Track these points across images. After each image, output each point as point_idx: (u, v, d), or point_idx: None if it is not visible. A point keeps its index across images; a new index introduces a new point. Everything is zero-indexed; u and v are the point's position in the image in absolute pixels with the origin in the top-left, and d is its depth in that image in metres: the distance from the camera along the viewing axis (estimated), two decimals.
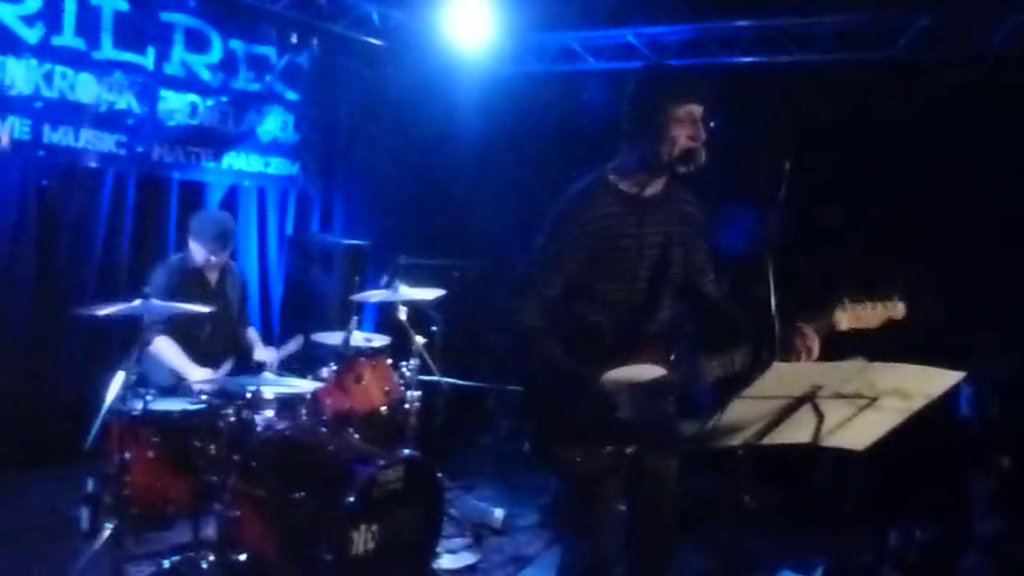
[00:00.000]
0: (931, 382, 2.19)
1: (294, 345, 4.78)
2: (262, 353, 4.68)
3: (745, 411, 2.15)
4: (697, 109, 2.66)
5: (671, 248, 2.81)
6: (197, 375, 4.26)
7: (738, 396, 2.07)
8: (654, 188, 2.78)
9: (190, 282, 4.45)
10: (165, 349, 4.29)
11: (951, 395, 4.92)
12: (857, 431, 2.35)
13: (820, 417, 2.24)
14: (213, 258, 4.46)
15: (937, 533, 4.51)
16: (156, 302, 3.74)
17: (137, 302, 3.60)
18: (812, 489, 5.42)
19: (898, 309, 2.74)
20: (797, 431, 2.30)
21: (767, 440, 2.31)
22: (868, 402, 2.22)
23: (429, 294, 4.78)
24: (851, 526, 5.03)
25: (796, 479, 5.10)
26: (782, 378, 2.08)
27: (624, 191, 2.75)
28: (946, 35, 5.22)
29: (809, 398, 2.15)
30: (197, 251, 4.45)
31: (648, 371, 2.70)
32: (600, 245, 2.69)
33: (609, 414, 2.61)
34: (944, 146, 5.19)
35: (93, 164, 5.32)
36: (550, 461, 2.78)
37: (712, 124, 2.70)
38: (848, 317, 2.70)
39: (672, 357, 2.74)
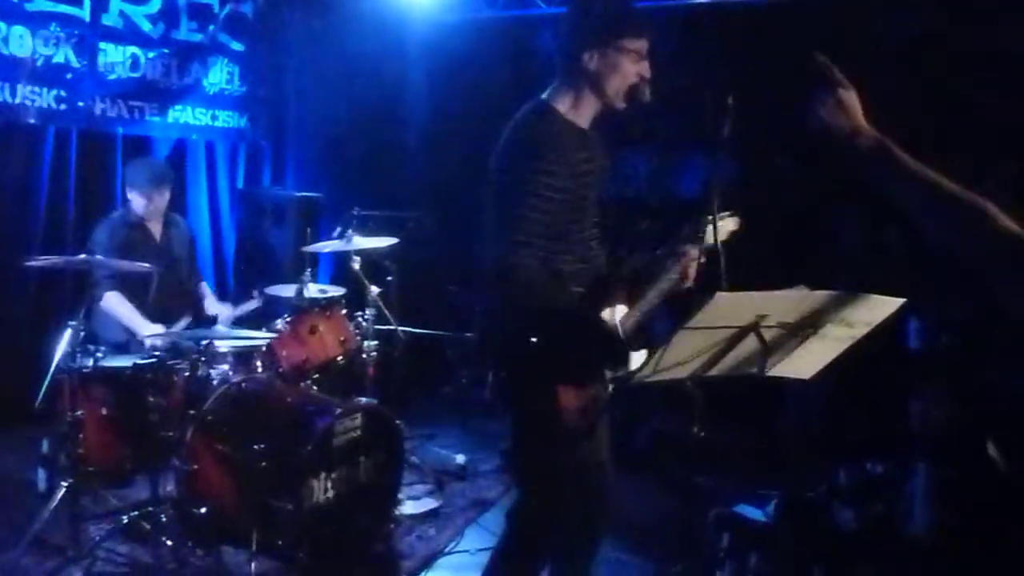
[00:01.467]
0: (873, 310, 2.22)
1: (253, 304, 4.74)
2: (215, 307, 4.64)
3: (690, 342, 2.17)
4: (646, 44, 2.62)
5: (602, 181, 2.78)
6: (148, 330, 4.21)
7: (682, 327, 2.09)
8: (589, 121, 2.71)
9: (134, 237, 4.38)
10: (115, 305, 4.24)
11: (897, 329, 5.09)
12: (802, 361, 2.38)
13: (765, 347, 2.27)
14: (152, 204, 4.38)
15: (887, 466, 4.64)
16: (100, 258, 3.68)
17: (81, 256, 3.55)
18: (768, 427, 5.54)
19: (735, 222, 2.87)
20: (743, 362, 2.33)
21: (714, 372, 2.34)
22: (812, 331, 2.25)
23: (383, 243, 4.75)
24: (804, 461, 5.16)
25: (751, 417, 5.20)
26: (726, 308, 2.10)
27: (573, 123, 2.65)
28: None
29: (753, 328, 2.17)
30: (136, 200, 4.37)
31: (620, 312, 2.68)
32: (567, 182, 2.57)
33: (620, 355, 2.59)
34: (900, 77, 5.21)
35: (32, 121, 5.17)
36: (544, 405, 2.58)
37: (656, 64, 2.68)
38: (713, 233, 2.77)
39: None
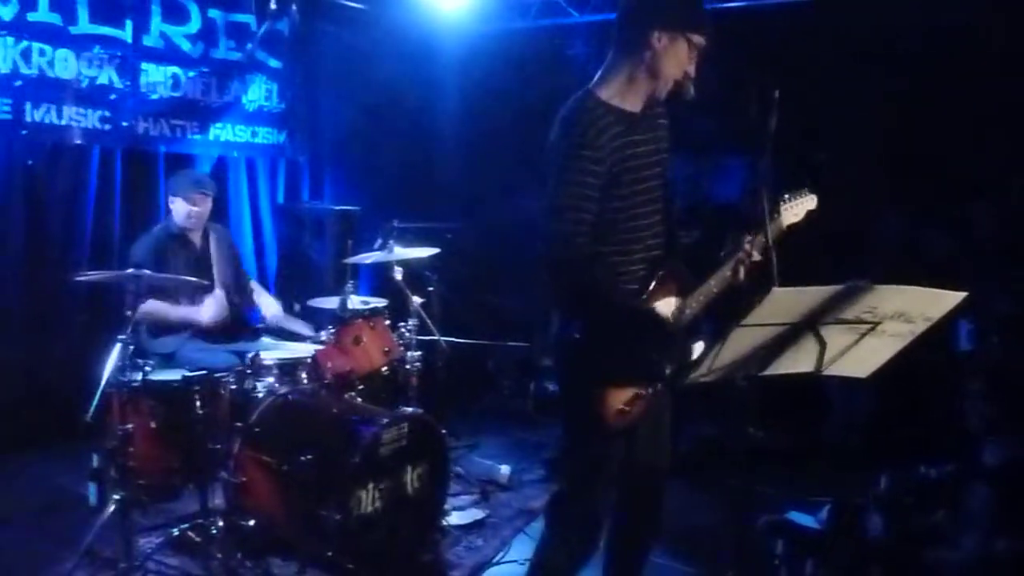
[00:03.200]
0: (933, 304, 2.17)
1: (302, 326, 4.73)
2: (267, 302, 4.67)
3: (746, 340, 2.13)
4: (703, 41, 2.59)
5: (663, 167, 2.71)
6: (203, 312, 4.27)
7: (738, 324, 2.05)
8: (640, 105, 2.66)
9: (174, 247, 4.40)
10: (159, 307, 4.25)
11: (949, 330, 5.00)
12: (860, 358, 2.33)
13: (822, 344, 2.22)
14: (195, 208, 4.39)
15: (944, 469, 4.55)
16: (143, 272, 3.70)
17: (130, 270, 3.59)
18: (818, 431, 5.46)
19: (813, 200, 2.88)
20: (799, 360, 2.29)
21: (770, 371, 2.30)
22: (870, 327, 2.20)
23: (423, 253, 4.75)
24: (853, 465, 5.07)
25: (794, 420, 5.13)
26: (781, 304, 2.06)
27: (619, 107, 2.59)
28: None
29: (810, 324, 2.13)
30: (178, 207, 4.39)
31: (675, 303, 2.63)
32: (618, 167, 2.53)
33: (674, 349, 2.55)
34: (934, 76, 5.13)
35: (78, 141, 5.27)
36: (590, 404, 2.56)
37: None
38: (788, 214, 2.82)
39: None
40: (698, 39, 2.58)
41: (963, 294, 2.14)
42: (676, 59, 2.57)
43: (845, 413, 5.51)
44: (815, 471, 4.93)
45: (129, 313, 3.61)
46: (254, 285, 4.88)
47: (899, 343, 2.28)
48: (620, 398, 2.54)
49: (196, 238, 4.52)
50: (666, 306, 2.61)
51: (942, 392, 5.03)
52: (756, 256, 2.61)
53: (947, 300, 2.16)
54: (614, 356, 2.54)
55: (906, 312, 2.17)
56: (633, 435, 2.69)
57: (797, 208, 2.85)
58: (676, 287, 2.65)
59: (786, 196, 2.83)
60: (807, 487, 4.56)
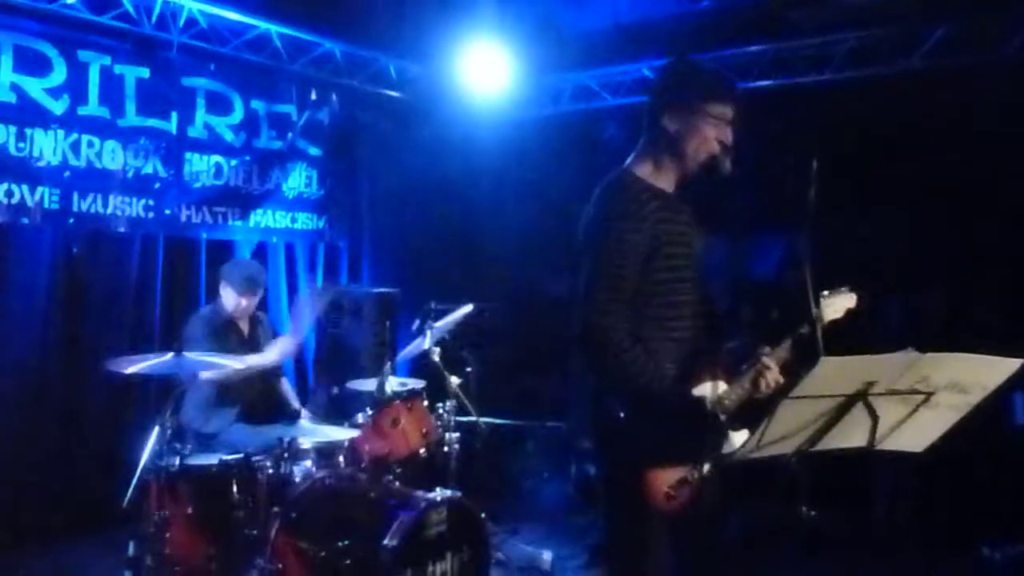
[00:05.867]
0: (988, 372, 2.09)
1: (324, 397, 4.75)
2: (296, 403, 4.66)
3: (795, 414, 2.06)
4: (730, 111, 2.59)
5: (696, 248, 2.67)
6: (270, 355, 4.30)
7: (787, 397, 1.99)
8: (672, 185, 2.65)
9: (224, 332, 4.44)
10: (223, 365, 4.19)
11: (1003, 403, 4.84)
12: (915, 432, 2.24)
13: (874, 418, 2.14)
14: (244, 302, 4.44)
15: (1011, 550, 4.37)
16: (190, 355, 3.71)
17: (168, 356, 3.59)
18: (870, 512, 5.26)
19: (852, 298, 2.90)
20: (851, 435, 2.21)
21: (820, 446, 2.22)
22: (924, 398, 2.12)
23: (462, 311, 4.74)
24: (906, 547, 4.87)
25: (851, 503, 4.96)
26: (832, 374, 2.00)
27: (656, 186, 2.60)
28: (962, 45, 5.17)
29: (861, 396, 2.06)
30: (228, 296, 4.44)
31: (720, 387, 2.54)
32: (658, 245, 2.50)
33: (714, 434, 2.46)
34: (966, 155, 5.10)
35: (122, 229, 5.39)
36: (634, 488, 2.47)
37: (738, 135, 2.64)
38: (829, 310, 2.84)
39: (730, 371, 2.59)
40: (718, 109, 2.57)
41: (1020, 361, 2.06)
42: (697, 135, 2.56)
43: (892, 494, 5.31)
44: (868, 558, 4.74)
45: (172, 398, 3.61)
46: (285, 385, 4.90)
47: (955, 415, 2.19)
48: (666, 480, 2.44)
49: (244, 325, 4.57)
50: (707, 390, 2.52)
51: (996, 468, 4.86)
52: (774, 368, 2.53)
53: (1004, 368, 2.09)
54: (659, 435, 2.45)
55: (960, 382, 2.09)
56: (680, 525, 2.55)
57: (837, 305, 2.86)
58: (716, 372, 2.56)
59: (825, 292, 2.83)
60: (862, 571, 4.39)
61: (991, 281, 5.10)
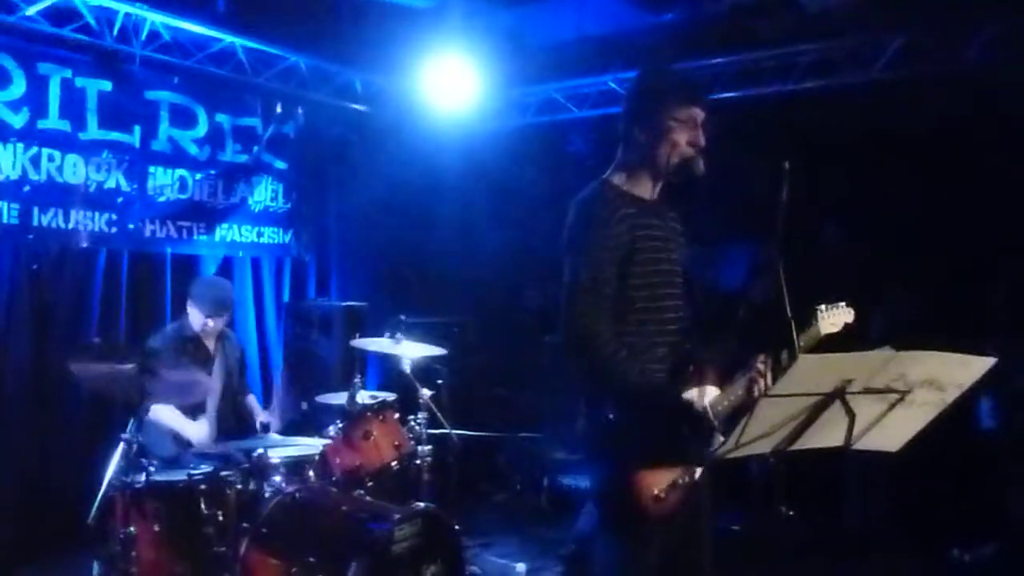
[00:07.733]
0: (963, 370, 2.11)
1: (293, 411, 4.69)
2: (263, 416, 4.60)
3: (774, 412, 2.06)
4: (700, 114, 2.62)
5: (680, 255, 2.70)
6: (193, 430, 4.20)
7: (765, 395, 1.99)
8: (653, 193, 2.70)
9: (188, 349, 4.38)
10: (161, 413, 4.18)
11: (969, 409, 4.90)
12: (891, 431, 2.25)
13: (851, 416, 2.15)
14: (211, 323, 4.40)
15: (990, 550, 4.43)
16: (156, 370, 3.64)
17: (130, 366, 3.51)
18: (840, 513, 5.30)
19: (850, 313, 2.94)
20: (829, 434, 2.21)
21: (798, 445, 2.22)
22: (900, 396, 2.14)
23: (432, 351, 4.70)
24: (879, 550, 4.91)
25: (824, 504, 4.99)
26: (809, 372, 2.00)
27: (632, 193, 2.64)
28: (922, 55, 5.25)
29: (839, 394, 2.06)
30: (195, 316, 4.39)
31: (709, 392, 2.56)
32: (634, 249, 2.52)
33: (705, 437, 2.46)
34: (929, 162, 5.18)
35: (85, 244, 5.28)
36: (624, 493, 2.47)
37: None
38: (826, 323, 2.87)
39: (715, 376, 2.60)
40: (685, 113, 2.59)
41: (993, 359, 2.09)
42: (666, 141, 2.59)
43: (863, 496, 5.35)
44: (838, 560, 4.77)
45: (136, 414, 3.53)
46: (253, 402, 4.86)
47: (930, 413, 2.21)
48: (656, 483, 2.44)
49: (210, 344, 4.51)
50: (694, 395, 2.53)
51: (964, 472, 4.91)
52: (769, 376, 2.53)
53: (977, 366, 2.11)
54: (647, 435, 2.45)
55: (937, 379, 2.11)
56: (670, 528, 2.54)
57: (835, 319, 2.89)
58: (704, 378, 2.57)
59: (823, 306, 2.88)
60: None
61: (958, 287, 5.17)
